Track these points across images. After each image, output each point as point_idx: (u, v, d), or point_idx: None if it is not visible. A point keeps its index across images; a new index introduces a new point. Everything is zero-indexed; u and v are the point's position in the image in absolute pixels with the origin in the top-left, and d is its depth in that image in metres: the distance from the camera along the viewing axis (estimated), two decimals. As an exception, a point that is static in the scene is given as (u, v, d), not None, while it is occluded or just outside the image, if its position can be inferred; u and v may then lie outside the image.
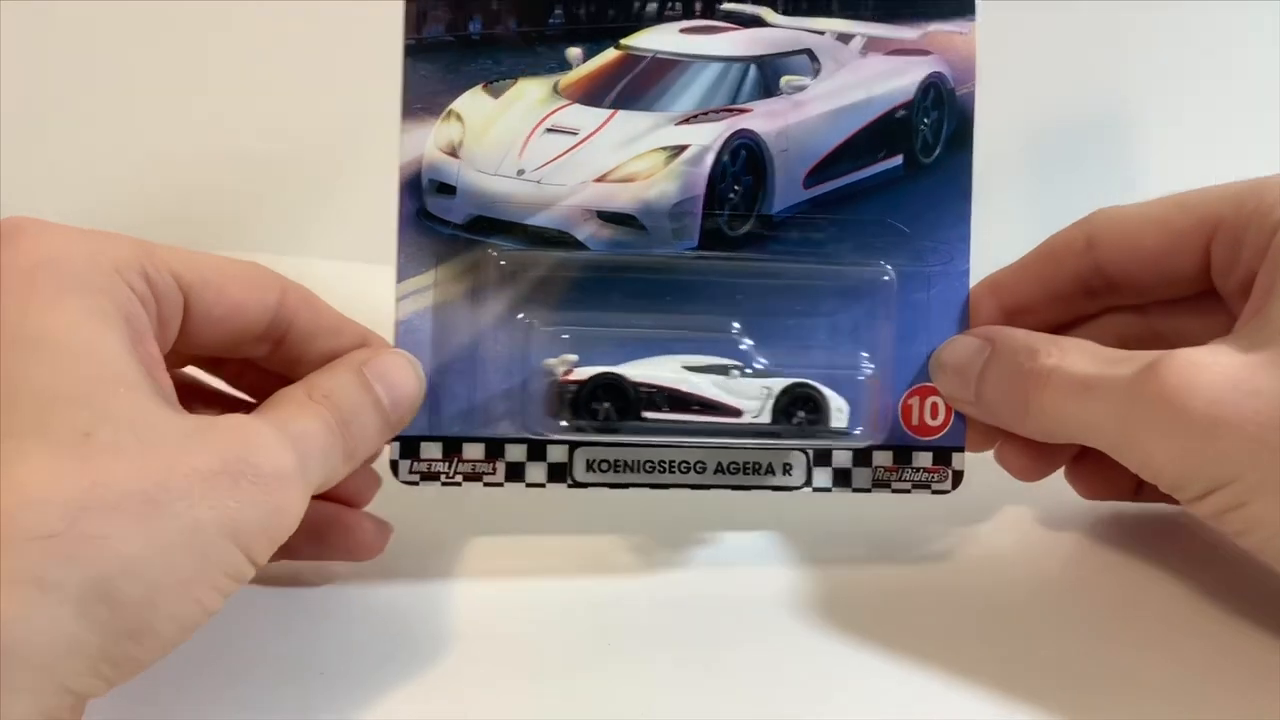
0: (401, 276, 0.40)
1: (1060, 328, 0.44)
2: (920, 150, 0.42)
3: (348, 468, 0.35)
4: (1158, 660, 0.38)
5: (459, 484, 0.40)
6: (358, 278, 0.46)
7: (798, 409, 0.38)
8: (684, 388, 0.37)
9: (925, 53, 0.42)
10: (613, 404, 0.37)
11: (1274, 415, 0.33)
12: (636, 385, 0.37)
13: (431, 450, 0.40)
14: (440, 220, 0.40)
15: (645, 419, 0.37)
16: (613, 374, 0.37)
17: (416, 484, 0.40)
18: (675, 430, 0.38)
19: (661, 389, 0.37)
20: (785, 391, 0.38)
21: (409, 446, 0.40)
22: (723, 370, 0.38)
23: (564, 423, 0.38)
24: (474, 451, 0.40)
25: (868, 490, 0.42)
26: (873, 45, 0.42)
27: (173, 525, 0.29)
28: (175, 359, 0.37)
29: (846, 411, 0.38)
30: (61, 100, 0.77)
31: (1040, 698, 0.35)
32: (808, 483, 0.42)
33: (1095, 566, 0.44)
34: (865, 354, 0.41)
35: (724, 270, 0.41)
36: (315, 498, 0.35)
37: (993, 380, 0.40)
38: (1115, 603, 0.41)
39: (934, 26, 0.42)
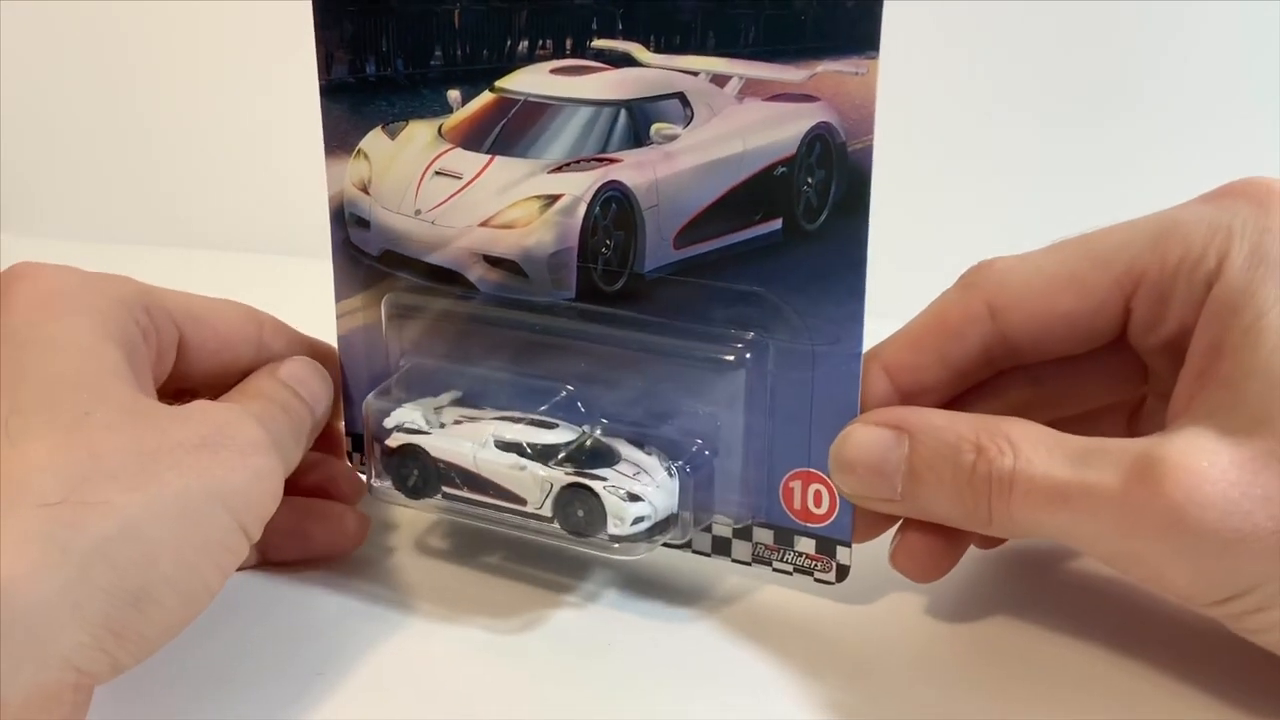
0: (338, 298, 0.44)
1: (955, 398, 0.38)
2: (802, 214, 0.36)
3: (300, 452, 0.40)
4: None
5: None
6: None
7: (576, 508, 0.37)
8: (474, 469, 0.38)
9: (811, 99, 0.35)
10: (419, 473, 0.39)
11: None
12: (436, 460, 0.39)
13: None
14: (360, 250, 0.43)
15: (445, 493, 0.39)
16: (416, 445, 0.39)
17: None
18: (469, 509, 0.39)
19: (455, 467, 0.38)
20: (564, 490, 0.37)
21: (359, 443, 0.45)
22: (521, 451, 0.38)
23: (383, 482, 0.40)
24: (386, 499, 0.44)
25: (747, 564, 0.40)
26: (750, 88, 0.36)
27: (166, 491, 0.31)
28: (170, 392, 0.42)
29: (629, 518, 0.36)
30: (60, 100, 0.78)
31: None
32: (688, 544, 0.41)
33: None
34: (710, 435, 0.38)
35: (593, 327, 0.39)
36: (300, 491, 0.41)
37: (932, 482, 0.36)
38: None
39: (824, 66, 0.34)
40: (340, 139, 0.42)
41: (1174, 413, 0.34)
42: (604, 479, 0.37)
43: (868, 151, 0.35)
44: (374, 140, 0.41)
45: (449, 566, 0.44)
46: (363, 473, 0.44)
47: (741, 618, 0.40)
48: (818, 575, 0.39)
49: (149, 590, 0.30)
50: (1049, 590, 0.41)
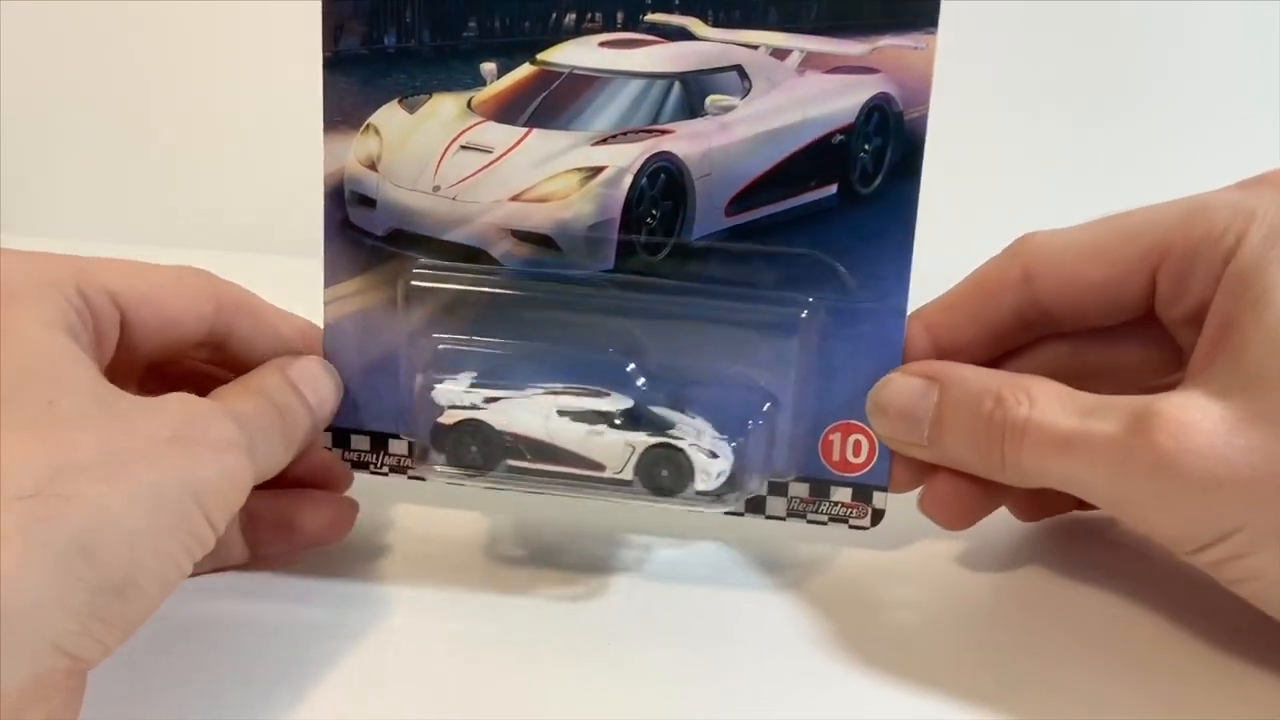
0: (328, 282, 0.42)
1: (992, 361, 0.41)
2: (858, 180, 0.39)
3: (287, 455, 0.38)
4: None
5: (386, 475, 0.43)
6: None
7: (661, 469, 0.38)
8: (546, 438, 0.38)
9: (872, 71, 0.38)
10: (479, 449, 0.38)
11: (1267, 469, 0.33)
12: (501, 433, 0.38)
13: (361, 443, 0.43)
14: (362, 231, 0.41)
15: (511, 466, 0.38)
16: (478, 420, 0.38)
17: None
18: (539, 480, 0.38)
19: (526, 439, 0.38)
20: (649, 450, 0.38)
21: (340, 437, 0.43)
22: (593, 418, 0.38)
23: (439, 462, 0.39)
24: (398, 447, 0.43)
25: (782, 519, 0.42)
26: (811, 62, 0.38)
27: (139, 484, 0.30)
28: (119, 371, 0.39)
29: (715, 474, 0.38)
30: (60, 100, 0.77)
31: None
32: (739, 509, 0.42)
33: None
34: (768, 403, 0.40)
35: (635, 296, 0.40)
36: (285, 484, 0.39)
37: (954, 427, 0.39)
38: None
39: (885, 41, 0.37)
40: (345, 114, 0.40)
41: (1187, 379, 0.36)
42: (684, 438, 0.38)
43: (923, 119, 0.38)
44: (388, 114, 0.40)
45: (449, 566, 0.43)
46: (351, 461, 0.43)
47: (746, 616, 0.41)
48: (853, 522, 0.41)
49: (132, 579, 0.30)
50: (1078, 565, 0.44)
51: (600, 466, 0.38)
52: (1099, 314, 0.40)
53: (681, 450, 0.37)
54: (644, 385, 0.40)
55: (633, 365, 0.40)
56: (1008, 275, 0.40)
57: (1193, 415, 0.34)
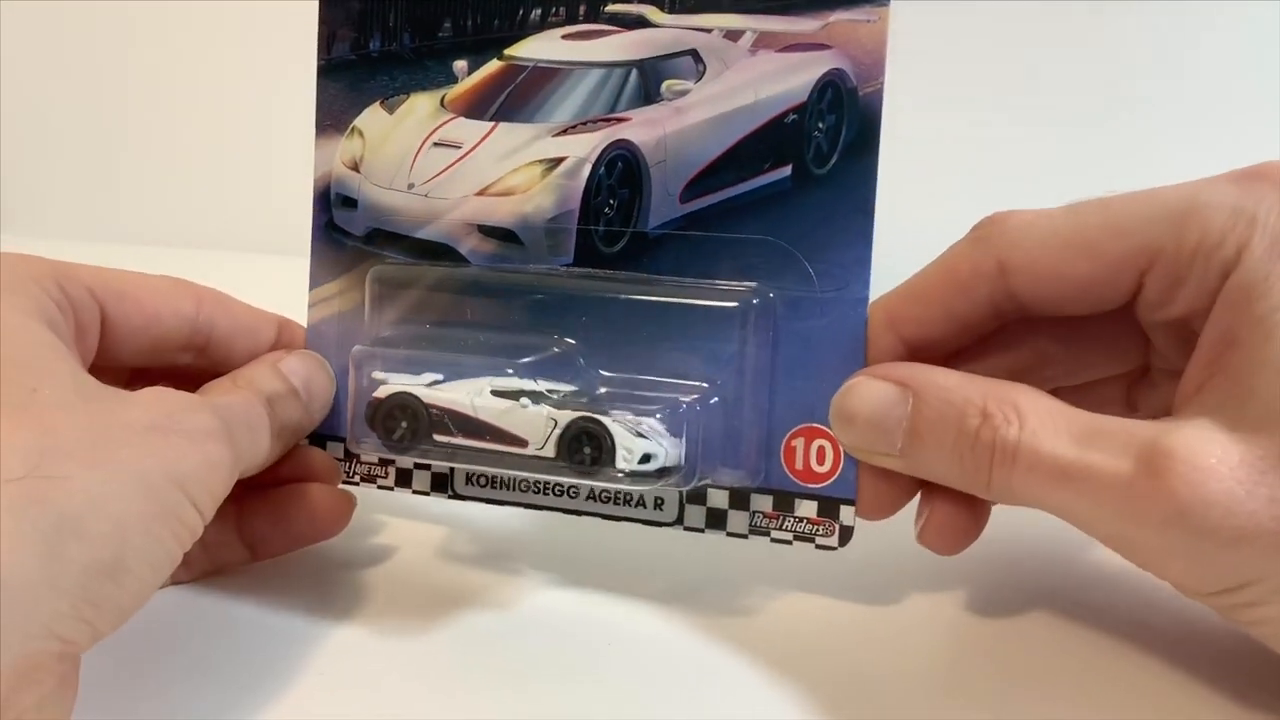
0: (313, 285, 0.43)
1: (958, 351, 0.38)
2: (812, 160, 0.37)
3: (278, 445, 0.39)
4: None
5: (357, 484, 0.42)
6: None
7: (583, 445, 0.36)
8: (471, 413, 0.37)
9: (824, 47, 0.37)
10: (408, 423, 0.37)
11: None
12: (428, 407, 0.37)
13: (335, 450, 0.43)
14: (344, 232, 0.42)
15: (436, 441, 0.37)
16: (407, 394, 0.37)
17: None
18: (464, 455, 0.37)
19: (451, 412, 0.37)
20: (570, 425, 0.36)
21: (317, 443, 0.43)
22: (520, 396, 0.37)
23: (368, 438, 0.38)
24: (369, 455, 0.42)
25: (744, 536, 0.39)
26: (763, 41, 0.37)
27: (124, 468, 0.31)
28: (104, 373, 0.40)
29: (638, 453, 0.35)
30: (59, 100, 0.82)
31: None
32: (679, 520, 0.39)
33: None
34: (706, 385, 0.37)
35: (588, 289, 0.39)
36: (276, 481, 0.39)
37: (933, 442, 0.35)
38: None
39: (836, 16, 0.37)
40: (334, 118, 0.42)
41: (1183, 397, 0.34)
42: (611, 416, 0.36)
43: (878, 95, 0.36)
44: (370, 116, 0.41)
45: (449, 566, 0.42)
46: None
47: (743, 614, 0.39)
48: (819, 541, 0.38)
49: (122, 561, 0.30)
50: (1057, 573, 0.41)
51: (523, 442, 0.36)
52: (1077, 307, 0.36)
53: (603, 425, 0.35)
54: (592, 377, 0.38)
55: (583, 359, 0.38)
56: (981, 266, 0.36)
57: (1209, 459, 0.30)
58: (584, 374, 0.38)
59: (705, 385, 0.38)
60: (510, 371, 0.38)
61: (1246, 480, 0.30)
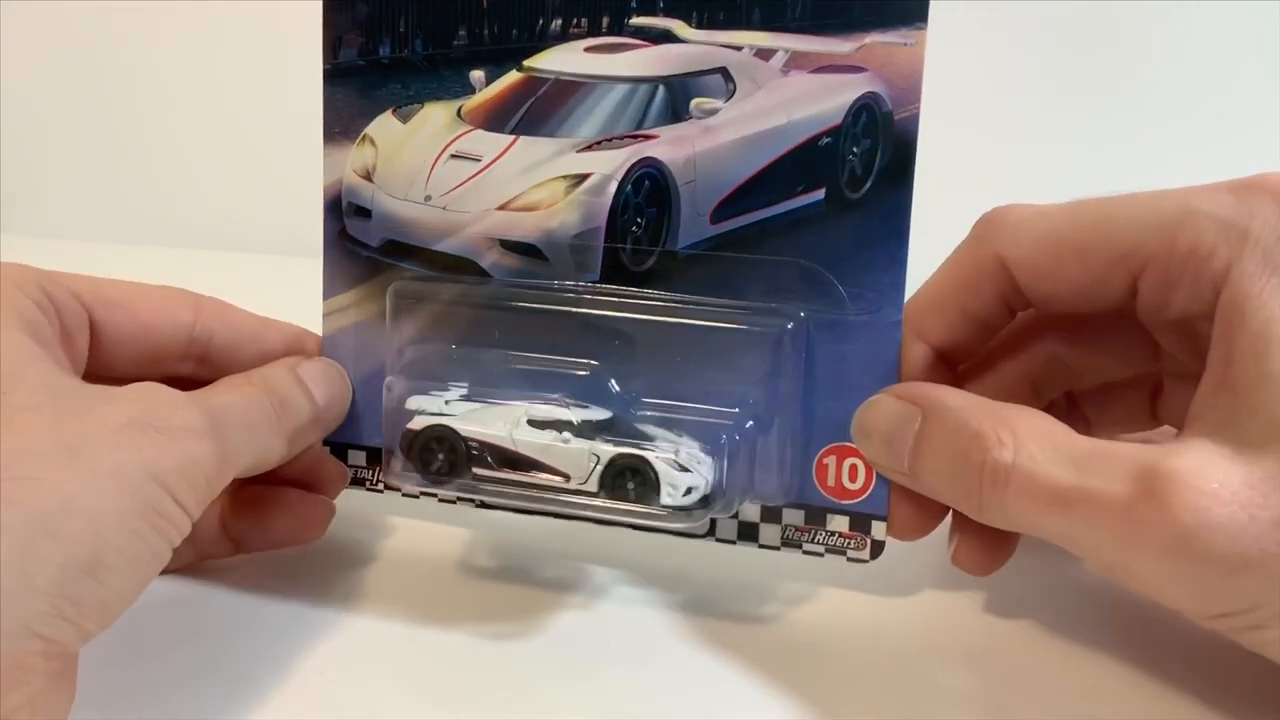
0: (326, 294, 0.42)
1: (987, 355, 0.40)
2: (847, 184, 0.37)
3: (286, 446, 0.38)
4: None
5: (381, 491, 0.42)
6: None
7: (626, 481, 0.36)
8: (510, 446, 0.37)
9: (859, 69, 0.36)
10: (445, 456, 0.37)
11: None
12: (466, 440, 0.37)
13: (357, 458, 0.42)
14: (358, 242, 0.41)
15: (476, 475, 0.37)
16: (444, 426, 0.37)
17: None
18: (504, 489, 0.37)
19: (491, 446, 0.37)
20: (614, 460, 0.36)
21: (338, 452, 0.43)
22: (560, 427, 0.37)
23: (405, 469, 0.38)
24: (409, 489, 0.42)
25: (776, 548, 0.39)
26: (796, 61, 0.37)
27: (98, 468, 0.30)
28: (98, 381, 0.38)
29: (683, 488, 0.36)
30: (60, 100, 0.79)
31: None
32: (711, 533, 0.40)
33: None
34: (745, 412, 0.38)
35: (618, 307, 0.39)
36: (270, 480, 0.39)
37: (932, 461, 0.36)
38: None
39: (872, 38, 0.36)
40: (343, 125, 0.41)
41: (1191, 416, 0.33)
42: (654, 449, 0.36)
43: (914, 120, 0.36)
44: (383, 124, 0.40)
45: (449, 566, 0.42)
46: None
47: (750, 617, 0.40)
48: (850, 554, 0.39)
49: (102, 559, 0.30)
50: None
51: (565, 476, 0.36)
52: (1076, 305, 0.37)
53: (647, 461, 0.36)
54: (626, 400, 0.38)
55: (613, 380, 0.38)
56: (983, 264, 0.37)
57: (1210, 483, 0.30)
58: (618, 399, 0.38)
59: (738, 410, 0.38)
60: (545, 397, 0.38)
61: (1249, 504, 0.30)
